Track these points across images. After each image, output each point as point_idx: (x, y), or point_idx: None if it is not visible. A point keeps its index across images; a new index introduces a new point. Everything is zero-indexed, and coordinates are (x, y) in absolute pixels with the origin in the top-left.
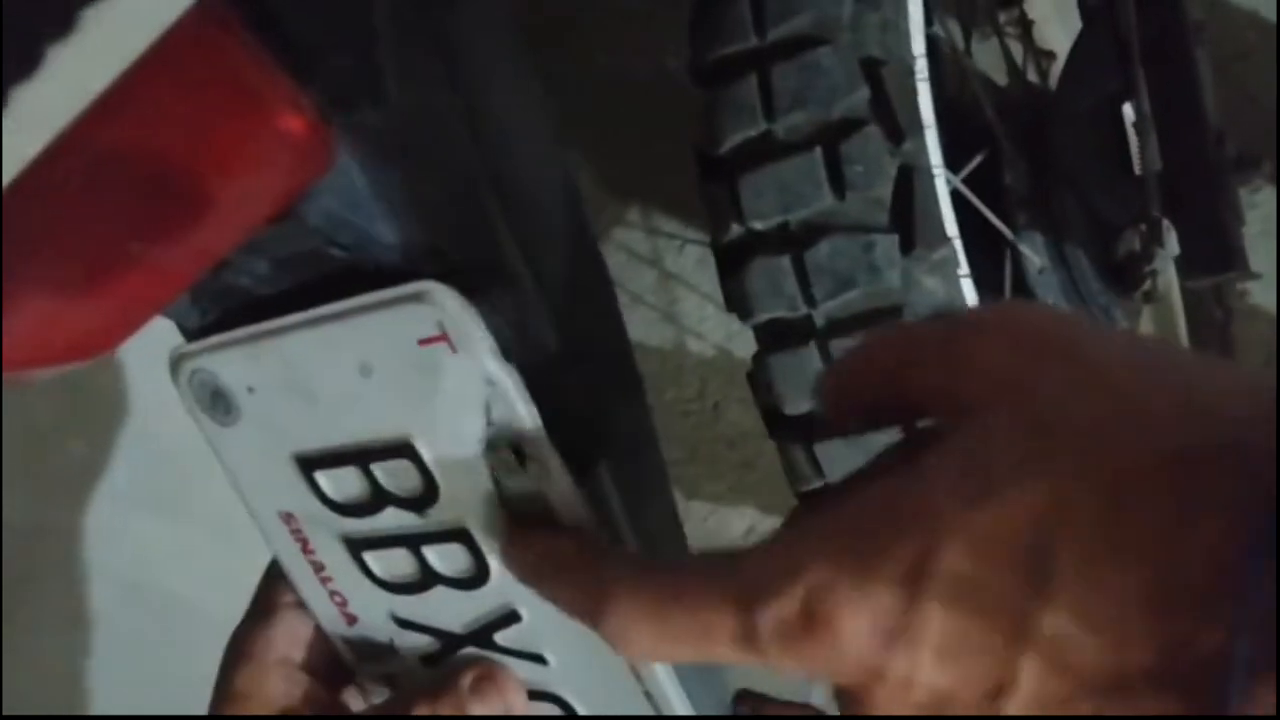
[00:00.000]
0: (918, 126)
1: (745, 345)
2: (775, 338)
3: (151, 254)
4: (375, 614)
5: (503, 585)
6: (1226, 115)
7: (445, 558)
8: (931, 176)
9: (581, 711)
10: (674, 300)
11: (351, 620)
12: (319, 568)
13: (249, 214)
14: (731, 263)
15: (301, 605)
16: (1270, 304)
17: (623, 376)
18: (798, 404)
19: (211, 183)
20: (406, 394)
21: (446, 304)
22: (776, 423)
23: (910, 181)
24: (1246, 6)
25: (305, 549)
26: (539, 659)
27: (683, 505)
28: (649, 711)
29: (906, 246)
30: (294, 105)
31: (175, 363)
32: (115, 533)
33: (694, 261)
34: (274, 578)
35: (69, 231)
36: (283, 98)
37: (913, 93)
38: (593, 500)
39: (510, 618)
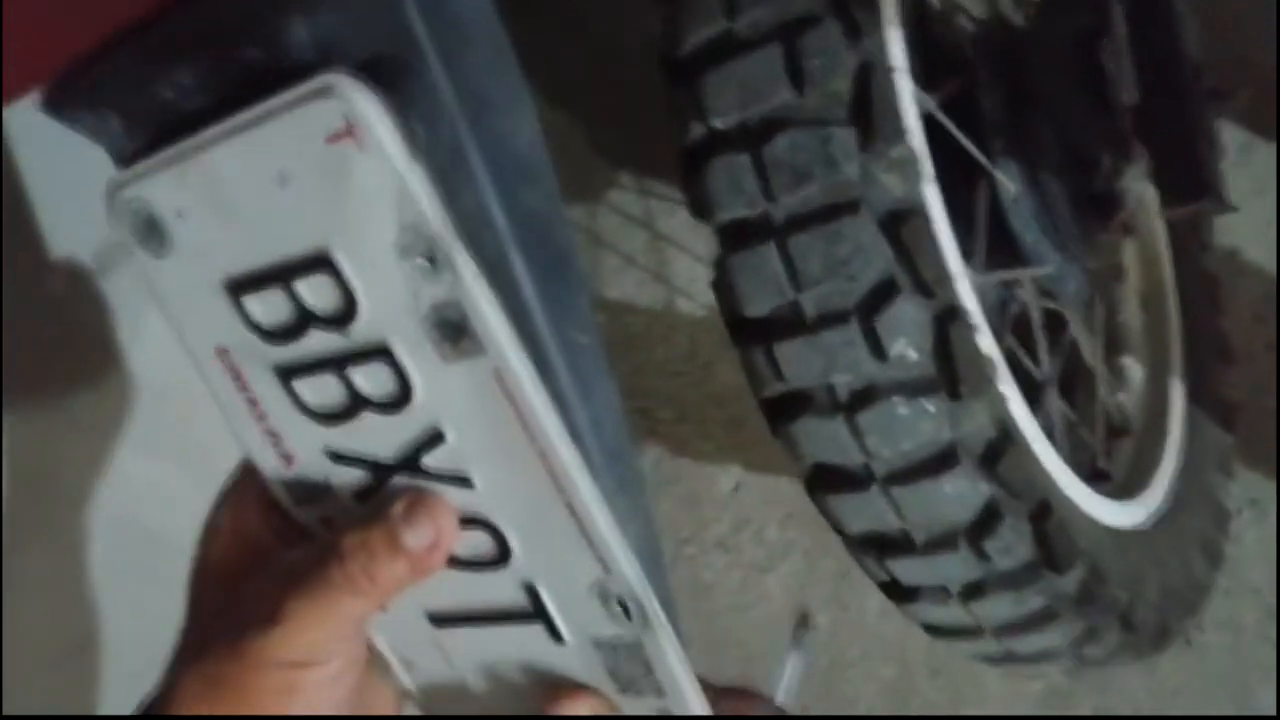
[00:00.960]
0: (876, 23)
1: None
2: (736, 239)
3: None
4: (309, 450)
5: (427, 404)
6: (1203, 49)
7: (370, 378)
8: (891, 74)
9: (509, 533)
10: (665, 261)
11: (288, 461)
12: (254, 405)
13: None
14: (694, 164)
15: None
16: (1260, 260)
17: (536, 174)
18: (758, 304)
19: None
20: (321, 200)
21: (351, 95)
22: (737, 326)
23: (869, 79)
24: None
25: (240, 386)
26: (465, 481)
27: (671, 462)
28: (574, 527)
29: (865, 141)
30: None
31: (110, 193)
32: (107, 470)
33: (685, 223)
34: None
35: None
36: None
37: None
38: (505, 295)
39: (436, 438)
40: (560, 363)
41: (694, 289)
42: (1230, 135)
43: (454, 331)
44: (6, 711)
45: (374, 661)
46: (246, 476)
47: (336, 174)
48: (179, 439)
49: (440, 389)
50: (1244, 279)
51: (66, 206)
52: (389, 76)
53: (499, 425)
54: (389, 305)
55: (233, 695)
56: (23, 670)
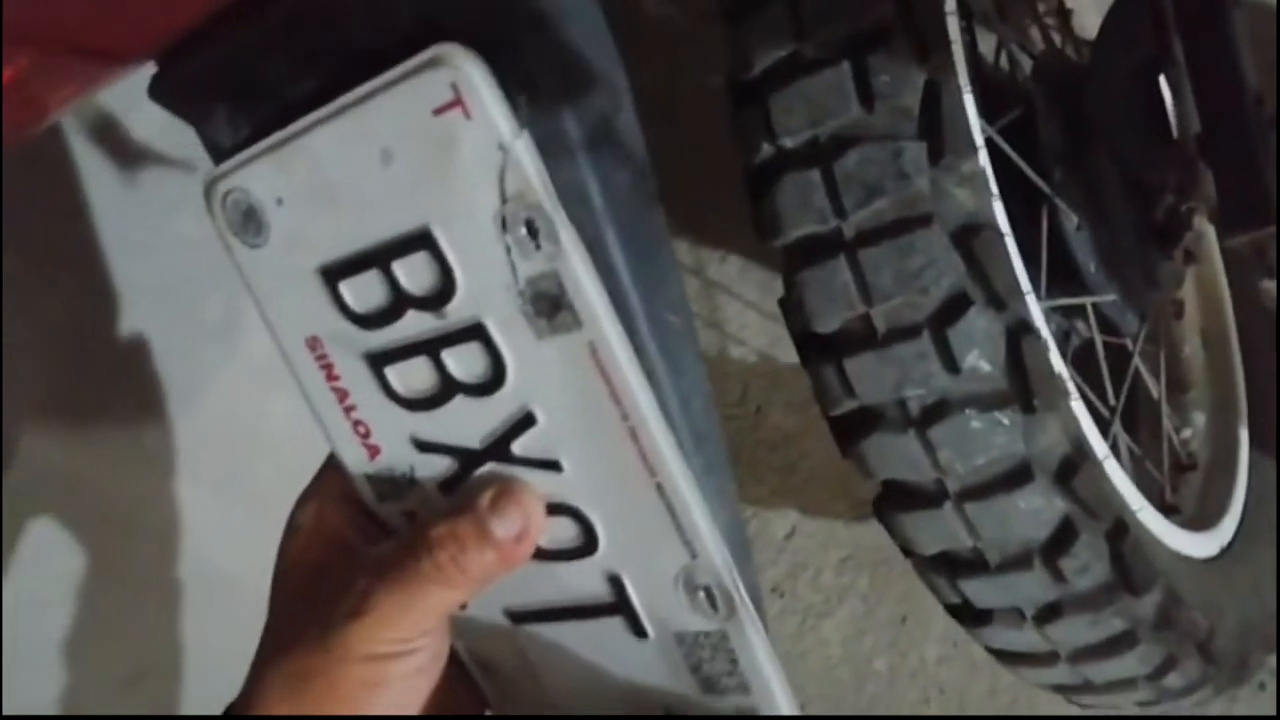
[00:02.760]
0: (943, 42)
1: (787, 351)
2: (806, 255)
3: None
4: (396, 440)
5: (519, 385)
6: (1262, 77)
7: (463, 361)
8: (959, 91)
9: (595, 520)
10: (716, 308)
11: (374, 453)
12: (343, 396)
13: None
14: (762, 184)
15: None
16: None
17: (632, 153)
18: (828, 320)
19: None
20: (425, 175)
21: (460, 63)
22: (807, 343)
23: (938, 95)
24: None
25: (330, 376)
26: (554, 466)
27: None
28: (662, 509)
29: (935, 155)
30: None
31: (209, 186)
32: (155, 495)
33: (736, 270)
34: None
35: None
36: None
37: (939, 10)
38: (601, 271)
39: (526, 421)
40: (651, 340)
41: (745, 334)
42: None
43: (550, 305)
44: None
45: (458, 663)
46: (329, 475)
47: (442, 146)
48: (248, 481)
49: (533, 367)
50: None
51: (137, 237)
52: (494, 51)
53: (591, 402)
54: (486, 281)
55: (319, 689)
56: (81, 700)
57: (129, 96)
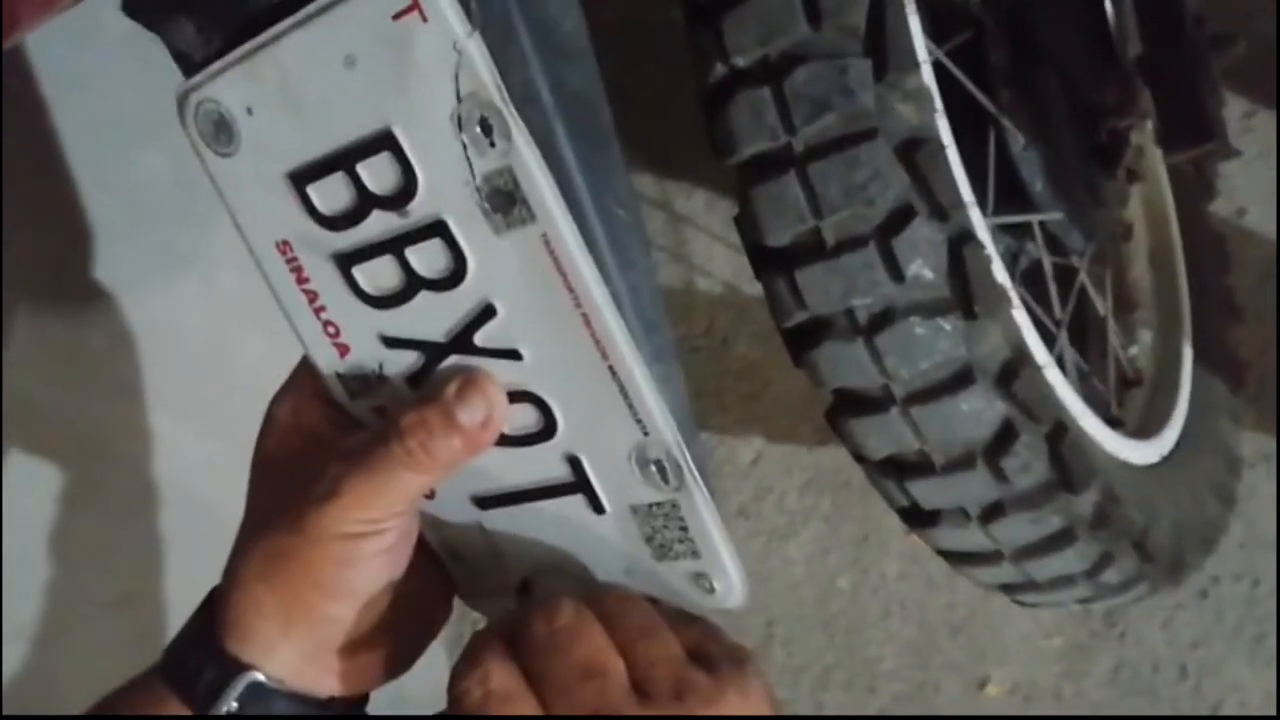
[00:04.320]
0: None
1: (753, 283)
2: (758, 171)
3: None
4: (365, 338)
5: (479, 278)
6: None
7: (426, 257)
8: (903, 9)
9: (554, 405)
10: (683, 241)
11: (344, 351)
12: (313, 298)
13: None
14: (717, 103)
15: None
16: (1267, 223)
17: (579, 54)
18: (780, 234)
19: None
20: (385, 78)
21: None
22: (760, 258)
23: (883, 13)
24: None
25: (300, 279)
26: (515, 355)
27: None
28: (615, 391)
29: (880, 72)
30: None
31: (181, 99)
32: (131, 427)
33: (703, 203)
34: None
35: None
36: None
37: None
38: (552, 166)
39: (487, 313)
40: (601, 232)
41: (711, 267)
42: (1233, 104)
43: (506, 201)
44: (6, 692)
45: (428, 551)
46: (304, 373)
47: (401, 49)
48: (222, 412)
49: (492, 261)
50: (1251, 241)
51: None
52: None
53: (547, 292)
54: (446, 180)
55: (294, 567)
56: (68, 621)
57: (93, 27)
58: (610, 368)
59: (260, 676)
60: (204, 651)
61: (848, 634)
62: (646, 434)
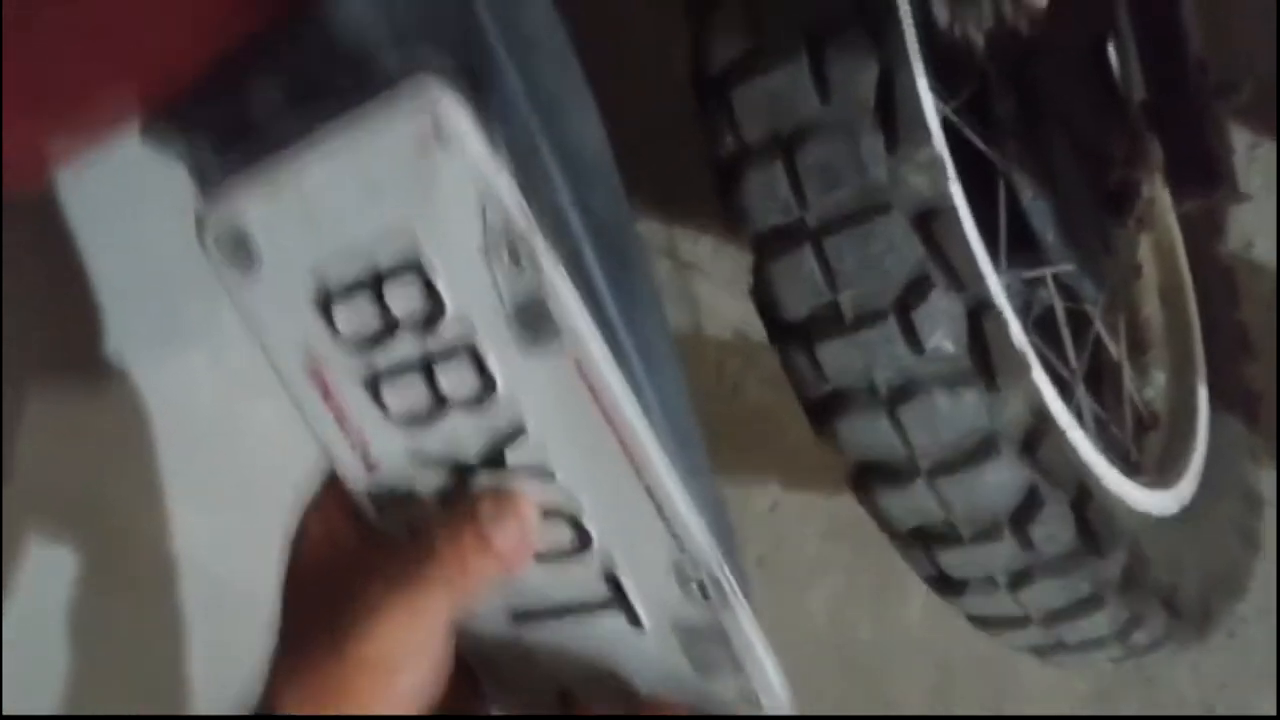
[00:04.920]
0: (895, 32)
1: (761, 328)
2: (773, 245)
3: (164, 24)
4: (394, 456)
5: (509, 398)
6: (1207, 45)
7: (454, 378)
8: (913, 81)
9: (589, 523)
10: (690, 287)
11: (373, 468)
12: (340, 415)
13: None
14: (729, 177)
15: None
16: (1273, 260)
17: (603, 173)
18: (797, 307)
19: None
20: (409, 204)
21: (438, 97)
22: (778, 330)
23: (892, 85)
24: None
25: (326, 396)
26: (547, 473)
27: None
28: (652, 509)
29: (891, 144)
30: None
31: (200, 218)
32: (146, 501)
33: (708, 250)
34: None
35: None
36: None
37: (892, 1)
38: (581, 288)
39: (518, 432)
40: (632, 349)
41: (719, 312)
42: (1237, 135)
43: (535, 323)
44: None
45: (463, 666)
46: (333, 483)
47: (425, 177)
48: (236, 485)
49: (522, 382)
50: (1259, 274)
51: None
52: (468, 86)
53: (578, 412)
54: (473, 303)
55: (332, 691)
56: (81, 704)
57: None
58: (646, 487)
59: None
60: None
61: (870, 682)
62: (684, 551)
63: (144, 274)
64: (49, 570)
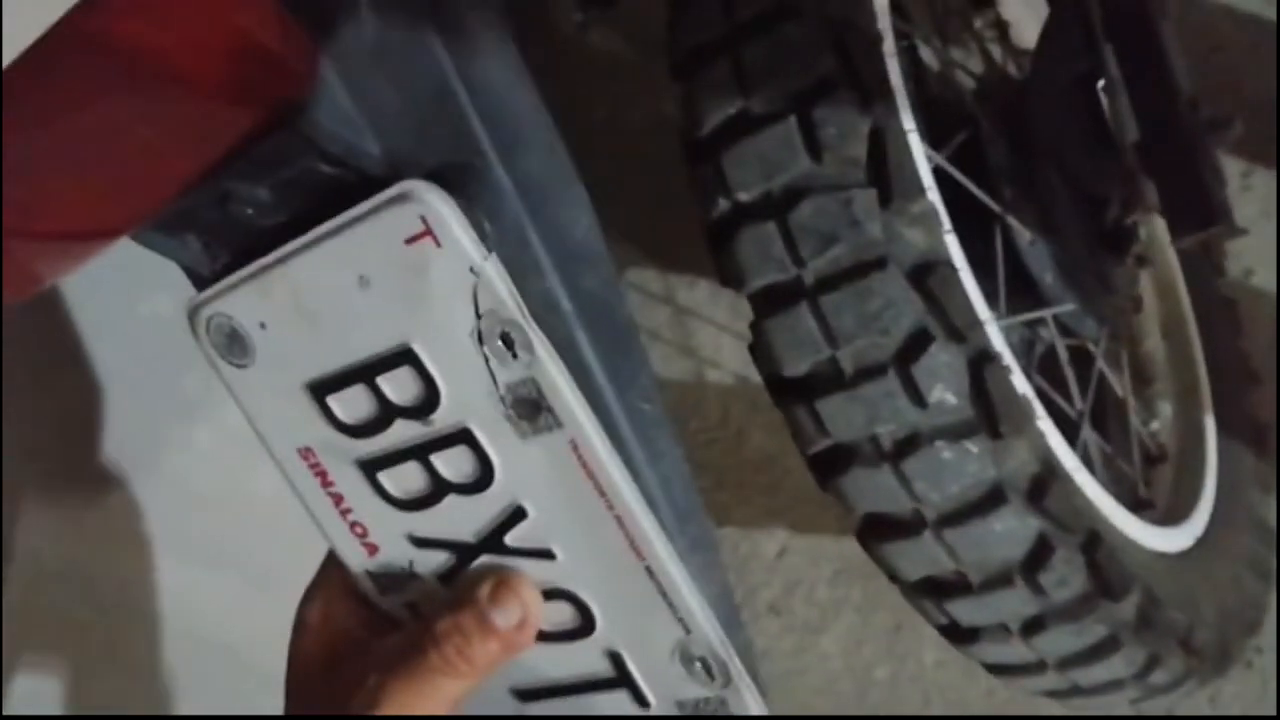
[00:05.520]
0: (885, 89)
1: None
2: (770, 303)
3: (154, 145)
4: (393, 538)
5: (507, 482)
6: (1195, 81)
7: (452, 463)
8: (904, 135)
9: (591, 603)
10: (689, 334)
11: (373, 550)
12: (338, 500)
13: (240, 120)
14: (722, 238)
15: None
16: (1274, 287)
17: (593, 254)
18: (797, 364)
19: (209, 84)
20: (401, 298)
21: (426, 197)
22: (778, 387)
23: (883, 141)
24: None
25: (325, 482)
26: (548, 554)
27: (715, 531)
28: (653, 590)
29: (885, 200)
30: (280, 23)
31: (192, 312)
32: (151, 576)
33: (706, 295)
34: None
35: (73, 121)
36: (269, 16)
37: (879, 59)
38: (575, 371)
39: (517, 515)
40: (629, 430)
41: (720, 358)
42: (1229, 165)
43: (531, 409)
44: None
45: None
46: (332, 570)
47: (416, 272)
48: (239, 554)
49: (520, 466)
50: (1261, 301)
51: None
52: (457, 180)
53: (577, 495)
54: (469, 390)
55: None
56: None
57: None
58: (647, 568)
59: None
60: None
61: None
62: (688, 631)
63: (140, 348)
64: (48, 648)
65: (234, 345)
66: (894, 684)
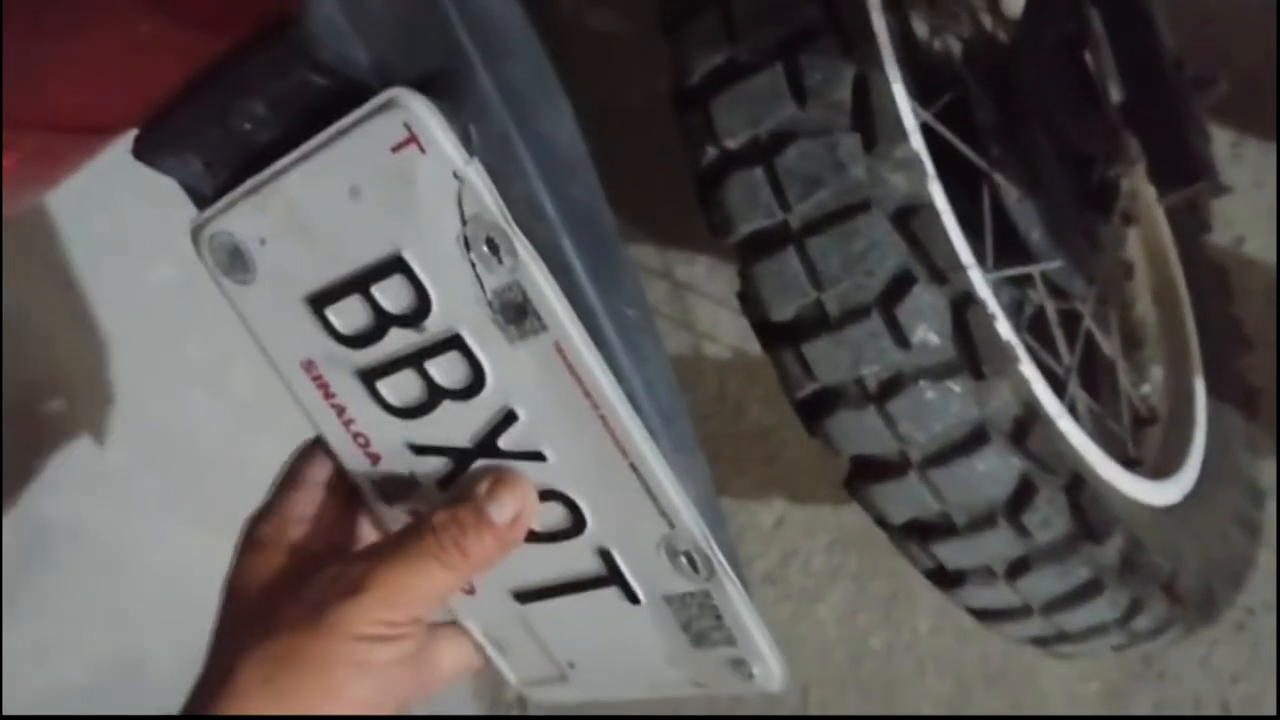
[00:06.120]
0: (868, 37)
1: (759, 345)
2: (757, 249)
3: (153, 41)
4: (394, 446)
5: (498, 387)
6: (1181, 41)
7: (446, 370)
8: (888, 82)
9: (582, 503)
10: (688, 309)
11: (375, 460)
12: (341, 411)
13: (234, 19)
14: (711, 185)
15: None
16: (1267, 250)
17: (578, 165)
18: (783, 308)
19: None
20: (391, 207)
21: (410, 104)
22: (766, 332)
23: (867, 87)
24: None
25: (327, 394)
26: (539, 456)
27: None
28: (638, 487)
29: (868, 144)
30: None
31: (195, 231)
32: (154, 538)
33: (704, 270)
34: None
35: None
36: None
37: (862, 7)
38: (560, 275)
39: (509, 418)
40: (613, 333)
41: (718, 332)
42: (1220, 134)
43: (517, 313)
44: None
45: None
46: (286, 492)
47: (403, 179)
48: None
49: (509, 370)
50: (1253, 268)
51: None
52: (443, 88)
53: (564, 397)
54: (458, 297)
55: (308, 668)
56: None
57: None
58: (631, 465)
59: None
60: None
61: (884, 693)
62: (673, 526)
63: (146, 314)
64: (54, 604)
65: (236, 263)
66: (889, 652)
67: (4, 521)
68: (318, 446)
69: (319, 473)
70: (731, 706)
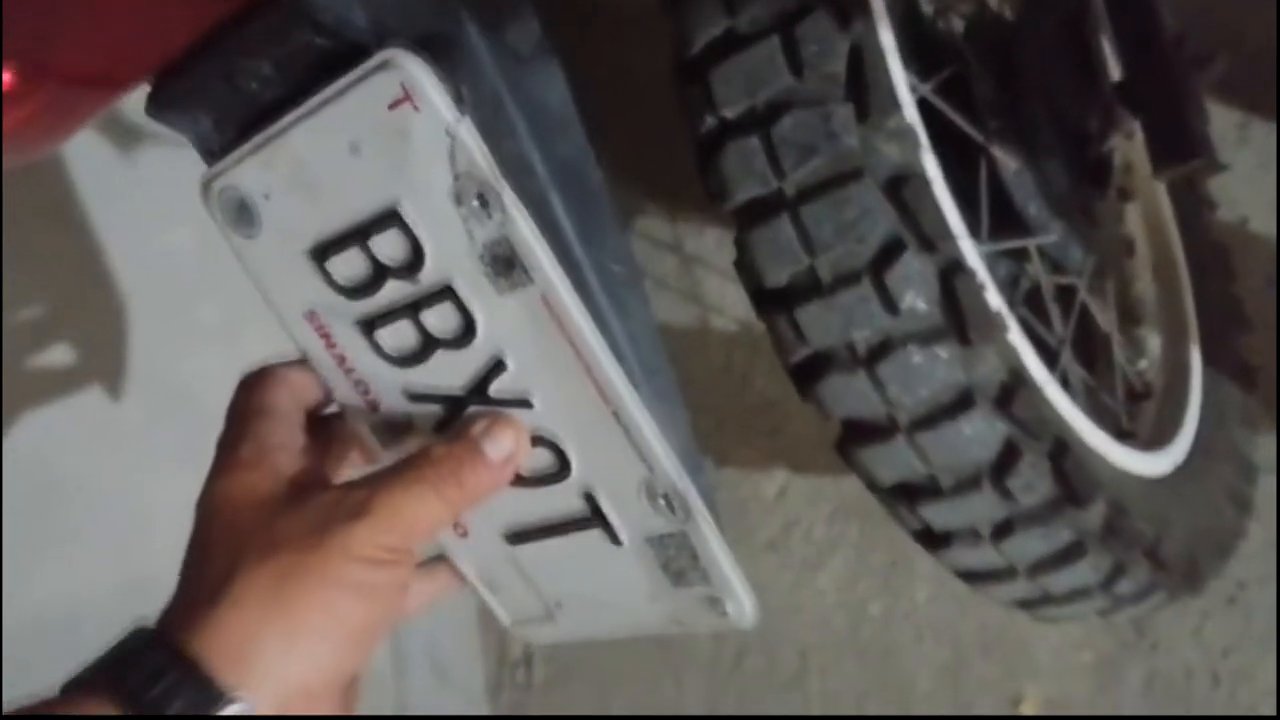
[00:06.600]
0: (864, 10)
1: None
2: (752, 216)
3: None
4: (391, 393)
5: (488, 336)
6: (1182, 18)
7: (439, 319)
8: (883, 55)
9: (567, 447)
10: (696, 281)
11: (374, 406)
12: (342, 360)
13: None
14: (709, 153)
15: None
16: (1269, 231)
17: (568, 124)
18: (778, 274)
19: None
20: (387, 162)
21: (405, 63)
22: (761, 298)
23: (861, 59)
24: None
25: (329, 343)
26: (526, 403)
27: (716, 472)
28: (620, 433)
29: (862, 115)
30: None
31: (205, 186)
32: (161, 489)
33: (713, 243)
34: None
35: None
36: None
37: None
38: (547, 229)
39: (498, 367)
40: (598, 287)
41: (725, 305)
42: (1226, 116)
43: (506, 265)
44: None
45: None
46: (260, 422)
47: (399, 136)
48: None
49: (498, 320)
50: (1255, 248)
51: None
52: (437, 48)
53: (550, 346)
54: (450, 249)
55: (310, 584)
56: None
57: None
58: (614, 412)
59: (250, 707)
60: (175, 677)
61: (882, 659)
62: (652, 471)
63: (163, 278)
64: (62, 559)
65: (242, 217)
66: (887, 619)
67: (9, 473)
68: (265, 376)
69: (282, 403)
70: (732, 669)
